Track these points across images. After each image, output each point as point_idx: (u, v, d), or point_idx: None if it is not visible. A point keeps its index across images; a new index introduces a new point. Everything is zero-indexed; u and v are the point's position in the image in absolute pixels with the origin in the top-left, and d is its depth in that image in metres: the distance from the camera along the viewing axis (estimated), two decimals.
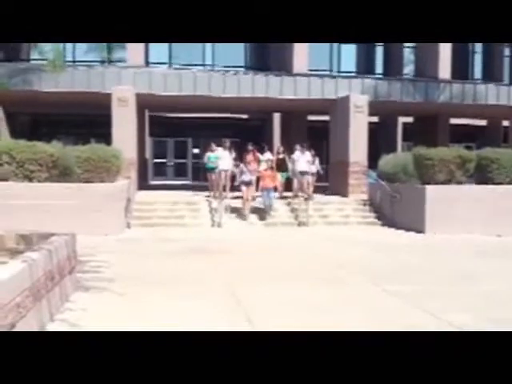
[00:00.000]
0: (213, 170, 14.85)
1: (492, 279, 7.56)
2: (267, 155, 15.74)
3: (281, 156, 15.70)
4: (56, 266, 5.24)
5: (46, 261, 4.85)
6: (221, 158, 14.67)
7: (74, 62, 18.05)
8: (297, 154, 15.16)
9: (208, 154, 15.22)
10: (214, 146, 15.21)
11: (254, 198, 14.04)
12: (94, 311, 5.46)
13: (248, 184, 13.67)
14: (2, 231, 6.25)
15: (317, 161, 15.78)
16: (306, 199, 13.95)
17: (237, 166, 14.69)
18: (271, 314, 5.54)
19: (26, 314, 4.17)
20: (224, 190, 14.60)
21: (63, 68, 9.02)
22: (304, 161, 14.92)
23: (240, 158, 15.49)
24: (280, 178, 15.12)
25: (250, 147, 15.15)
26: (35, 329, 4.49)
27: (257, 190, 14.16)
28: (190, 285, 6.85)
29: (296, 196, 14.85)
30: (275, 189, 14.12)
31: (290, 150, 18.12)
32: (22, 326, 4.03)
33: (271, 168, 14.34)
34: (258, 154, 15.31)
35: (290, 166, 15.32)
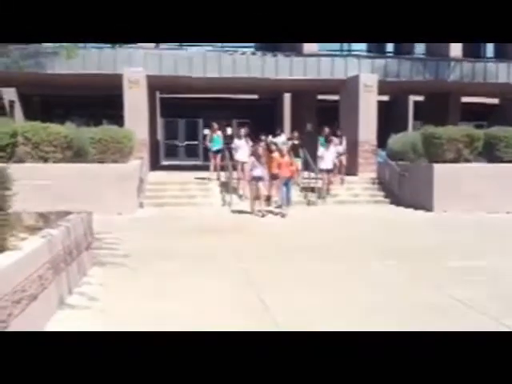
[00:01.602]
0: (216, 152, 14.63)
1: (496, 256, 7.73)
2: (282, 138, 15.52)
3: (296, 141, 15.22)
4: (74, 242, 5.50)
5: (64, 237, 5.11)
6: (237, 147, 13.81)
7: (85, 43, 18.21)
8: (321, 151, 14.18)
9: (211, 134, 14.98)
10: (215, 126, 15.00)
11: (267, 199, 12.46)
12: (110, 285, 5.73)
13: (259, 179, 11.81)
14: (21, 210, 6.50)
15: (344, 141, 15.32)
16: (330, 196, 13.83)
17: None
18: (277, 283, 5.79)
19: (47, 286, 4.44)
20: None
21: (76, 55, 9.29)
22: (330, 158, 13.87)
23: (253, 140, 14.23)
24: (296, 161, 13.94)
25: (263, 139, 14.14)
26: (55, 300, 4.77)
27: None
28: (202, 261, 7.10)
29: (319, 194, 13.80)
30: (291, 177, 12.27)
31: (301, 132, 18.25)
32: (43, 298, 4.30)
33: (288, 153, 12.44)
34: (274, 148, 13.46)
35: (301, 153, 14.67)
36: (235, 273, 6.45)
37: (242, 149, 13.60)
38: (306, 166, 14.86)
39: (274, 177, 12.10)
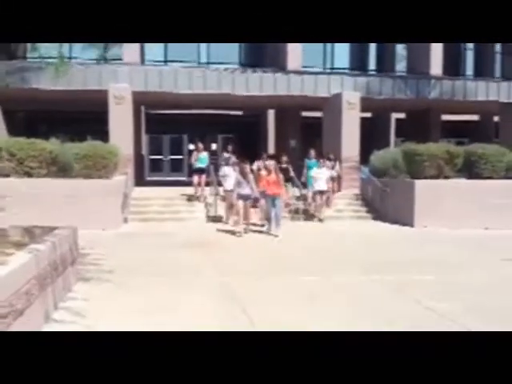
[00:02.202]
0: (199, 170, 14.28)
1: (473, 269, 7.91)
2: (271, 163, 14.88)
3: (284, 165, 13.97)
4: (59, 258, 5.55)
5: (50, 252, 5.16)
6: (225, 175, 12.86)
7: (69, 58, 18.28)
8: (315, 171, 13.70)
9: (195, 153, 14.62)
10: (201, 146, 14.63)
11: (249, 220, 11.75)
12: (95, 301, 5.77)
13: (247, 198, 11.25)
14: (7, 225, 6.54)
15: (337, 166, 15.21)
16: (320, 220, 13.40)
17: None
18: (261, 297, 5.89)
19: (33, 301, 4.48)
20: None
21: (66, 73, 9.36)
22: (324, 179, 13.51)
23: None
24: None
25: (247, 165, 12.22)
26: (41, 315, 4.81)
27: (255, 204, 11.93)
28: (187, 276, 7.18)
29: (312, 215, 13.80)
30: (278, 194, 11.53)
31: (285, 148, 18.45)
32: (29, 313, 4.34)
33: (275, 170, 11.67)
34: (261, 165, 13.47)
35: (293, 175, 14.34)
36: (218, 287, 6.54)
37: (231, 177, 12.51)
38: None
39: (261, 195, 11.60)
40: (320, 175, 13.52)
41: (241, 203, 11.12)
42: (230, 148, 14.13)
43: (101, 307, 5.54)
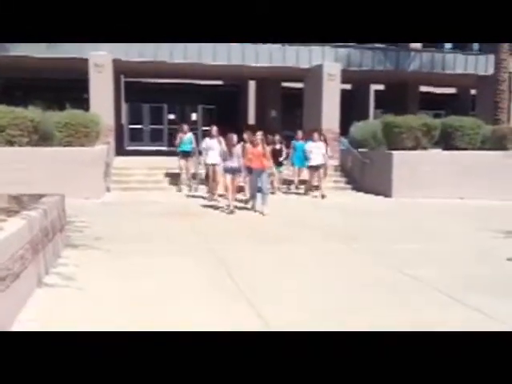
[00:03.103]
0: (185, 153, 13.20)
1: (451, 237, 8.27)
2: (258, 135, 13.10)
3: (277, 146, 13.43)
4: (50, 224, 5.67)
5: (41, 218, 5.28)
6: (208, 148, 12.10)
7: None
8: (310, 145, 13.12)
9: (180, 135, 13.32)
10: (185, 128, 13.47)
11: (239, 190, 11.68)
12: (85, 266, 5.91)
13: (235, 171, 10.47)
14: None
15: (328, 149, 13.94)
16: (322, 196, 12.78)
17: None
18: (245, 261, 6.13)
19: (27, 266, 4.62)
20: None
21: (55, 47, 9.29)
22: (319, 153, 13.05)
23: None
24: (275, 171, 13.19)
25: (234, 136, 10.63)
26: (35, 280, 4.96)
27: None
28: (170, 242, 7.40)
29: (309, 190, 13.43)
30: (263, 168, 10.64)
31: (266, 117, 18.54)
32: (24, 276, 4.49)
33: (261, 142, 10.77)
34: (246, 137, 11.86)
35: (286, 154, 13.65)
36: (203, 252, 6.78)
37: (214, 150, 11.74)
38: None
39: (248, 170, 10.78)
40: (316, 149, 13.04)
41: (228, 177, 10.34)
42: (214, 130, 12.32)
43: (91, 272, 5.70)
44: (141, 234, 7.93)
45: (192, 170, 13.36)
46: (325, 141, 13.70)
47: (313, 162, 13.04)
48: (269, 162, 10.92)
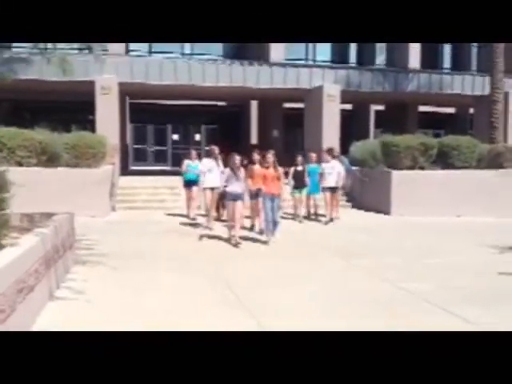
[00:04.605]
0: (191, 182, 11.91)
1: (448, 253, 8.53)
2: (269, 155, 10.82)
3: (299, 168, 12.04)
4: (60, 241, 5.99)
5: (53, 236, 5.60)
6: (207, 170, 10.77)
7: (55, 49, 18.46)
8: (327, 166, 12.18)
9: (187, 161, 12.25)
10: (194, 154, 12.36)
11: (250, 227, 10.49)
12: (93, 281, 6.22)
13: (237, 198, 9.15)
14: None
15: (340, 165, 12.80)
16: (331, 219, 11.92)
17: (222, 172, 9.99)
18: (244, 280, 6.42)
19: (41, 280, 4.93)
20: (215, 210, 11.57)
21: (72, 73, 9.66)
22: (335, 174, 12.12)
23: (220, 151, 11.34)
24: (298, 195, 12.06)
25: (237, 157, 9.44)
26: (47, 293, 5.26)
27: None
28: (175, 260, 7.70)
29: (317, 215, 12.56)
30: (279, 194, 9.59)
31: (268, 137, 18.87)
32: (38, 289, 4.79)
33: (273, 164, 9.57)
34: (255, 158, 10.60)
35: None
36: (206, 270, 7.06)
37: (213, 172, 10.63)
38: None
39: (256, 193, 9.72)
40: (329, 170, 12.07)
41: (231, 204, 9.18)
42: (216, 150, 11.11)
43: (99, 287, 6.00)
44: (145, 252, 8.23)
45: (197, 203, 12.14)
46: (338, 157, 12.82)
47: (326, 184, 12.04)
48: (281, 186, 9.71)
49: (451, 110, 25.29)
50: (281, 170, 9.76)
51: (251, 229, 10.32)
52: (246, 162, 10.32)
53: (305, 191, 12.15)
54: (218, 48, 21.03)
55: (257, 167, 10.06)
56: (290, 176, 11.90)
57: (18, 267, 4.13)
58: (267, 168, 9.46)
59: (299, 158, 12.13)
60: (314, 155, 12.77)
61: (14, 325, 3.86)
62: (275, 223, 9.30)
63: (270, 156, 9.55)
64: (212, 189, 10.62)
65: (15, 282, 4.05)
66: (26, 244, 4.63)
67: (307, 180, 11.98)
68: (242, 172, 9.38)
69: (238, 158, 9.31)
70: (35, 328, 4.48)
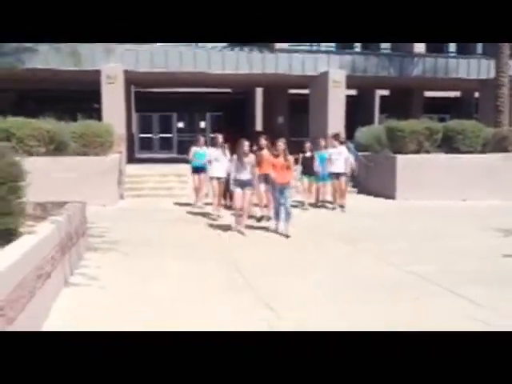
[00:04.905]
0: (199, 169, 11.65)
1: (453, 237, 8.64)
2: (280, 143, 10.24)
3: (308, 154, 11.92)
4: (74, 229, 6.14)
5: (67, 223, 5.75)
6: (213, 159, 10.51)
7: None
8: (334, 152, 11.93)
9: (194, 149, 11.98)
10: (201, 141, 12.08)
11: (259, 219, 10.12)
12: (106, 267, 6.38)
13: (245, 185, 9.03)
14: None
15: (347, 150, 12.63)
16: (341, 206, 11.72)
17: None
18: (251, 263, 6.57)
19: (56, 266, 5.08)
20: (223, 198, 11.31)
21: (81, 64, 9.91)
22: (342, 159, 11.87)
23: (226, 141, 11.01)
24: (306, 180, 11.92)
25: (246, 143, 9.15)
26: (62, 279, 5.42)
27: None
28: (183, 247, 7.85)
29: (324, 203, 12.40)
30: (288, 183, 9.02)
31: (273, 124, 18.92)
32: (54, 276, 4.95)
33: (283, 152, 9.08)
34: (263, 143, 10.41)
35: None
36: (212, 257, 7.22)
37: (219, 161, 10.40)
38: None
39: (265, 179, 9.53)
40: (336, 156, 11.83)
41: (239, 192, 8.98)
42: (220, 139, 10.84)
43: (112, 273, 6.16)
44: (155, 239, 8.38)
45: (205, 191, 11.96)
46: (341, 143, 12.49)
47: (333, 169, 11.81)
48: (292, 175, 9.28)
49: (456, 94, 25.22)
50: (291, 158, 9.29)
51: (259, 220, 10.13)
52: (255, 147, 10.21)
53: (313, 178, 12.00)
54: None
55: (265, 152, 9.92)
56: (299, 163, 11.71)
57: (36, 254, 4.27)
58: (277, 156, 9.08)
59: (307, 145, 12.00)
60: (323, 141, 12.58)
61: (32, 311, 4.02)
62: (288, 214, 8.79)
63: (281, 144, 9.10)
64: (219, 178, 10.51)
65: (35, 268, 4.20)
66: (43, 232, 4.78)
67: (318, 166, 11.79)
68: (251, 158, 9.12)
69: (246, 144, 9.06)
70: (52, 314, 4.64)
